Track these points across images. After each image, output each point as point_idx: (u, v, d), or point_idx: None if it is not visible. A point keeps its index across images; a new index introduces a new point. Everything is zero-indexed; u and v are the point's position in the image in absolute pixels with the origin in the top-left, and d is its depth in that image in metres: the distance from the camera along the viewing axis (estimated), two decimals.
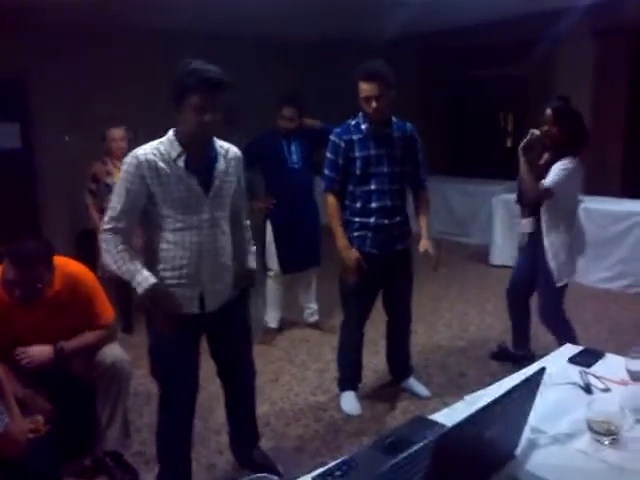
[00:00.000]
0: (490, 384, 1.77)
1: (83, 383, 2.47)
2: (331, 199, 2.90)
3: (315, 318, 4.25)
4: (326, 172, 2.90)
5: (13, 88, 6.39)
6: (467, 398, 1.66)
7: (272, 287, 4.08)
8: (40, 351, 2.33)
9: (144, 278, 2.02)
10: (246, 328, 2.41)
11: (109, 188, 4.05)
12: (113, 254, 2.05)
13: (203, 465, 2.61)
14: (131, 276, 2.03)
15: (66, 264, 2.44)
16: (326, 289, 4.05)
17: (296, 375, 3.55)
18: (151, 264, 2.09)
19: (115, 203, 2.07)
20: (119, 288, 3.78)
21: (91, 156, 4.21)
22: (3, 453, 1.72)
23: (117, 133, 4.09)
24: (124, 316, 4.19)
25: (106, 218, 2.09)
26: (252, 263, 2.40)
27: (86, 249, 2.75)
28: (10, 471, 1.78)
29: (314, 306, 4.24)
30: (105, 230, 2.08)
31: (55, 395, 2.34)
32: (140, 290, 2.03)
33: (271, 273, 4.03)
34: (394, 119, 2.90)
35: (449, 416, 1.51)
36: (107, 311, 2.54)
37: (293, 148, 3.86)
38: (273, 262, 3.99)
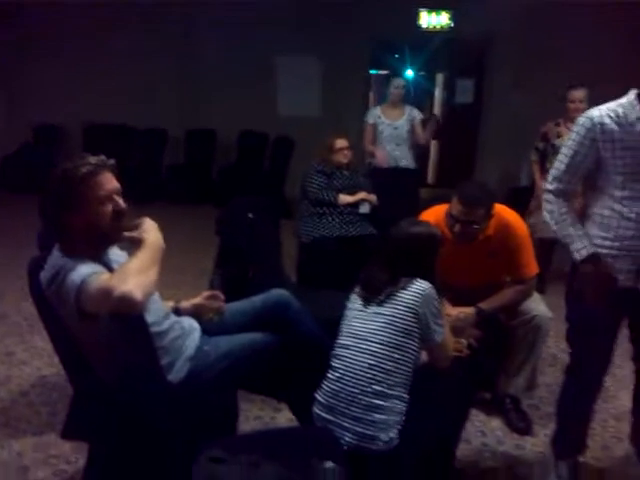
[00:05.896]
0: None
1: (502, 327, 2.63)
2: None
3: None
4: None
5: (475, 47, 6.95)
6: None
7: None
8: (464, 314, 2.48)
9: (584, 246, 1.98)
10: None
11: (555, 150, 4.08)
12: (555, 215, 2.05)
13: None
14: (571, 240, 2.02)
15: (503, 212, 2.53)
16: None
17: None
18: (589, 231, 2.04)
19: (560, 163, 2.05)
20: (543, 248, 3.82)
21: (539, 115, 4.32)
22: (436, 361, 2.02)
23: (578, 94, 4.04)
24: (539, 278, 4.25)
25: (549, 178, 2.09)
26: None
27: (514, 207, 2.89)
28: None
29: None
30: (548, 190, 2.09)
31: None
32: (578, 257, 1.99)
33: None
34: None
35: None
36: (532, 265, 2.57)
37: None
38: None
